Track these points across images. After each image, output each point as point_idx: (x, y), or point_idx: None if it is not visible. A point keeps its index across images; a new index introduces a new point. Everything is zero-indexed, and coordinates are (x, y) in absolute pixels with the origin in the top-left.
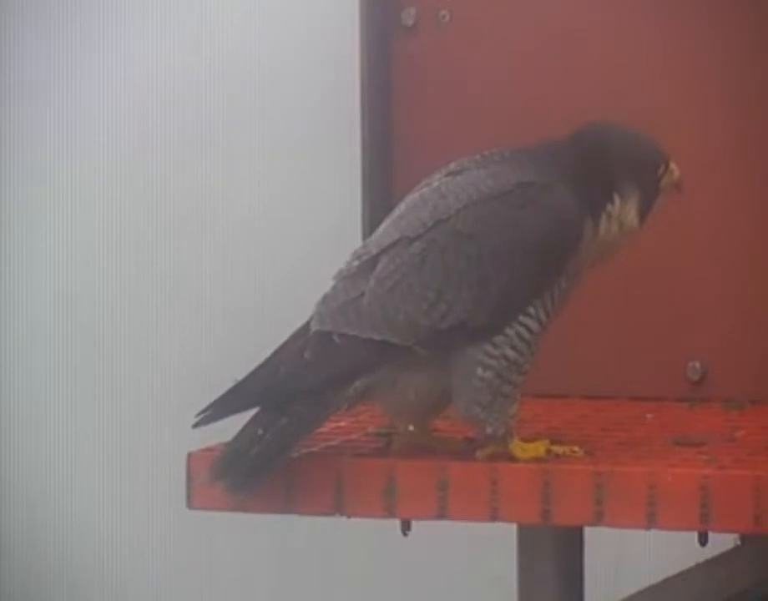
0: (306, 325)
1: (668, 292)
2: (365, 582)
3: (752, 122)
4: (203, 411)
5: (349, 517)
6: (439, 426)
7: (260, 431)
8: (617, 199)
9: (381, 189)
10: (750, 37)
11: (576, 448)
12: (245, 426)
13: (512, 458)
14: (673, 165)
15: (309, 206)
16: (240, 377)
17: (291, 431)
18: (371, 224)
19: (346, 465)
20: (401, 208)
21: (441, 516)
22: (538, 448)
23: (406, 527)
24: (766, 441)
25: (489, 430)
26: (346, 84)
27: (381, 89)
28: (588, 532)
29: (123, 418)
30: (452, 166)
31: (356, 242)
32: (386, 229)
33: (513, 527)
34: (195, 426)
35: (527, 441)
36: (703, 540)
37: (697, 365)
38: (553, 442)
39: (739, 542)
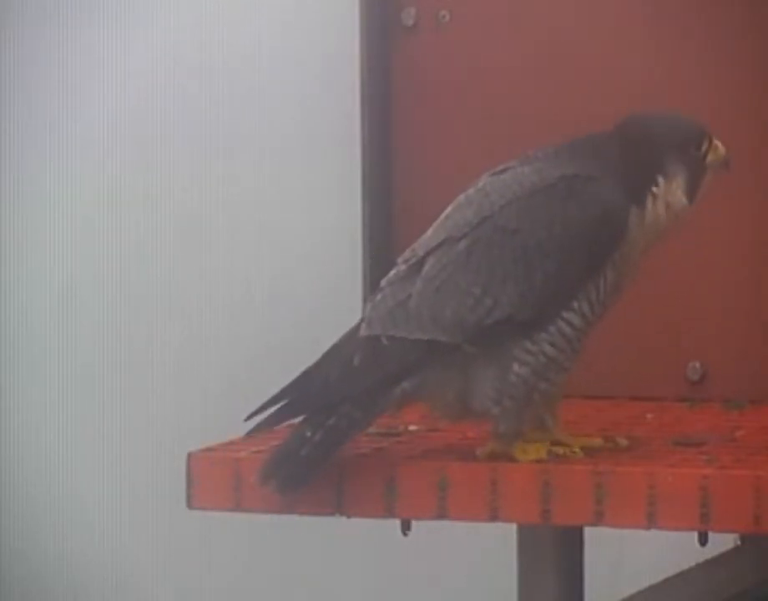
0: (353, 332)
1: (668, 292)
2: (365, 582)
3: (751, 124)
4: (252, 414)
5: (349, 517)
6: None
7: (309, 433)
8: (661, 180)
9: (381, 189)
10: (750, 40)
11: (576, 449)
12: (295, 429)
13: (513, 459)
14: (717, 142)
15: (309, 206)
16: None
17: (339, 431)
18: (371, 224)
19: (347, 465)
20: (448, 210)
21: (441, 516)
22: (539, 450)
23: (406, 527)
24: (766, 441)
25: (503, 428)
26: (346, 84)
27: (381, 89)
28: (588, 532)
29: (124, 418)
30: (499, 168)
31: (356, 242)
32: (434, 232)
33: (513, 527)
34: (248, 434)
35: (528, 441)
36: (703, 540)
37: (697, 365)
38: (553, 443)
39: (739, 543)
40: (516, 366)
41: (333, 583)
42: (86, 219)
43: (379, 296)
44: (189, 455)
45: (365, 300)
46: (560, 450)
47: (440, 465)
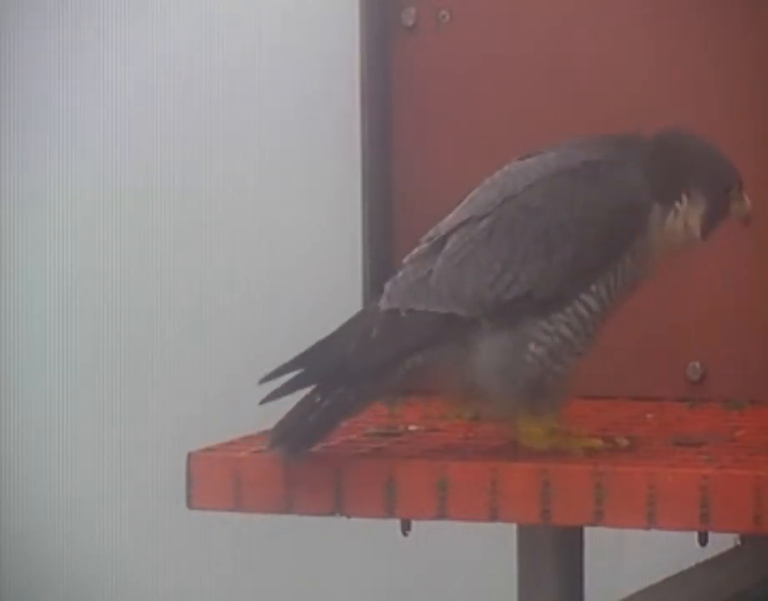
0: (371, 307)
1: (668, 292)
2: (365, 582)
3: (750, 125)
4: (265, 378)
5: (349, 517)
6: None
7: (318, 399)
8: (685, 198)
9: (381, 189)
10: (748, 42)
11: (576, 445)
12: (306, 396)
13: (516, 435)
14: (746, 196)
15: (309, 207)
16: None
17: (348, 401)
18: (371, 224)
19: (346, 465)
20: (474, 192)
21: (441, 516)
22: (542, 438)
23: (406, 527)
24: (766, 441)
25: (499, 403)
26: (346, 84)
27: (381, 89)
28: (588, 532)
29: (124, 418)
30: (525, 153)
31: (356, 242)
32: (457, 212)
33: (513, 527)
34: (263, 402)
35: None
36: (703, 540)
37: (697, 365)
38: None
39: (739, 543)
40: (532, 346)
41: (333, 583)
42: (86, 219)
43: (400, 273)
44: (189, 455)
45: (365, 300)
46: (564, 443)
47: (440, 465)
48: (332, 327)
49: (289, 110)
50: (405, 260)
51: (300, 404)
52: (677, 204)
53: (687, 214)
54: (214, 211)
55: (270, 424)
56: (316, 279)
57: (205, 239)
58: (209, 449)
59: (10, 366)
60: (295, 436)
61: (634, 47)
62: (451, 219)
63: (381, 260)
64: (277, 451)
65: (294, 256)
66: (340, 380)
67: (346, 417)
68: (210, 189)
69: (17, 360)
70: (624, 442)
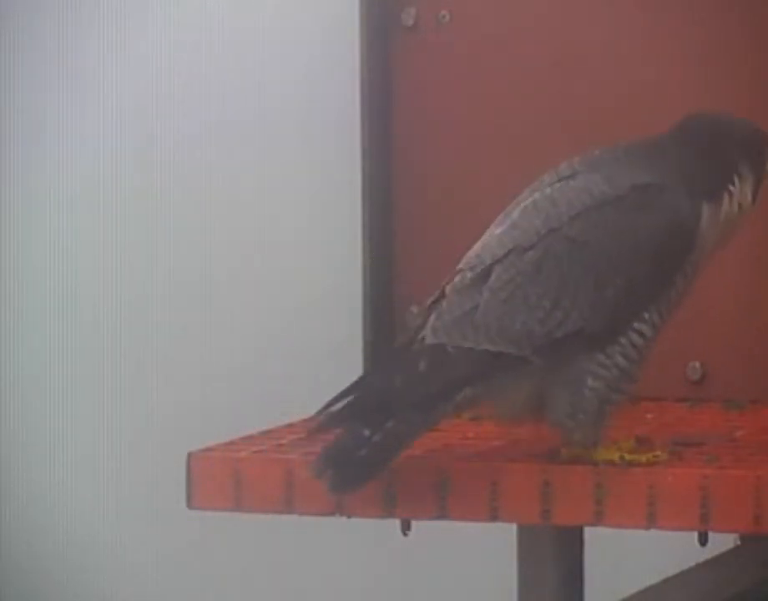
0: (413, 336)
1: None
2: (365, 582)
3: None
4: (317, 414)
5: (349, 517)
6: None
7: (367, 433)
8: (736, 180)
9: (381, 189)
10: (751, 40)
11: (659, 452)
12: (349, 426)
13: (594, 462)
14: None
15: (309, 207)
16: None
17: (400, 435)
18: (370, 226)
19: None
20: (514, 215)
21: (441, 516)
22: (613, 452)
23: (406, 527)
24: (766, 441)
25: (577, 436)
26: (346, 84)
27: (381, 89)
28: (588, 532)
29: (124, 418)
30: (563, 168)
31: (356, 242)
32: (499, 239)
33: (513, 527)
34: (311, 433)
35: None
36: (703, 540)
37: (697, 365)
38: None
39: (739, 542)
40: (590, 381)
41: (333, 582)
42: (86, 218)
43: (444, 304)
44: (189, 455)
45: (364, 301)
46: (642, 457)
47: (440, 465)
48: (333, 329)
49: (289, 110)
50: (448, 290)
51: (347, 436)
52: (731, 188)
53: (740, 194)
54: (214, 212)
55: (270, 424)
56: (316, 279)
57: (204, 243)
58: (209, 449)
59: (10, 366)
60: (345, 471)
61: (636, 44)
62: (494, 247)
63: (381, 260)
64: (326, 484)
65: (294, 257)
66: (389, 413)
67: (399, 452)
68: (210, 191)
69: (17, 360)
70: (664, 456)
